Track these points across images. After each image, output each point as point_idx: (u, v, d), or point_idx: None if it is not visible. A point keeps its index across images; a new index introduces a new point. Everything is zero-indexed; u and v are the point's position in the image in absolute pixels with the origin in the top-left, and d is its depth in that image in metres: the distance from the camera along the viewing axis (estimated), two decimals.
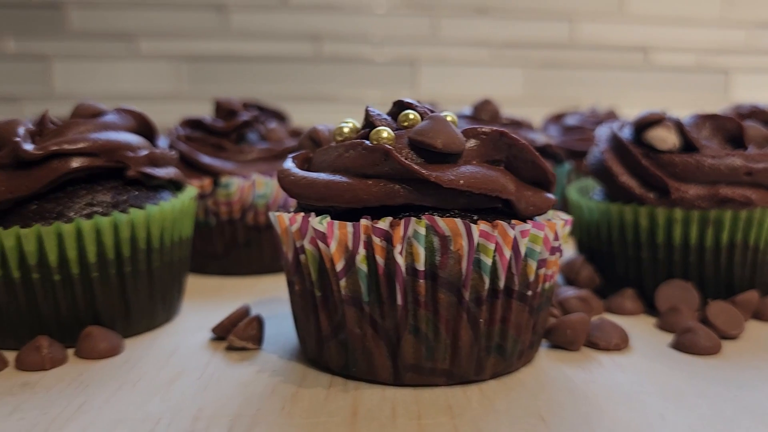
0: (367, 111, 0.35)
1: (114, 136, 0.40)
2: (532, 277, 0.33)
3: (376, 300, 0.32)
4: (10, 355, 0.37)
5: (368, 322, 0.32)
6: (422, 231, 0.30)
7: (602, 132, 0.49)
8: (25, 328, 0.37)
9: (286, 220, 0.34)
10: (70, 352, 0.38)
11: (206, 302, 0.48)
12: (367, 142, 0.33)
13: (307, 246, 0.33)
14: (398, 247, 0.31)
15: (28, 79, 1.31)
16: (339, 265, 0.32)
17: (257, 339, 0.38)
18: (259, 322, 0.38)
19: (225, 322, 0.39)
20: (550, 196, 0.35)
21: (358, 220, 0.31)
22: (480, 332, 0.32)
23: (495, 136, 0.34)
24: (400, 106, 0.36)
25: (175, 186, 0.44)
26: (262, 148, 0.56)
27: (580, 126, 0.76)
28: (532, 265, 0.33)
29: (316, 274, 0.33)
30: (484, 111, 0.58)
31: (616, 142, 0.46)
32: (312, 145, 0.37)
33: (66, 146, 0.38)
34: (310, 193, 0.33)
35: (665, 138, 0.44)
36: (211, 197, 0.53)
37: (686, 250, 0.43)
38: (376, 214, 0.32)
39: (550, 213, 0.37)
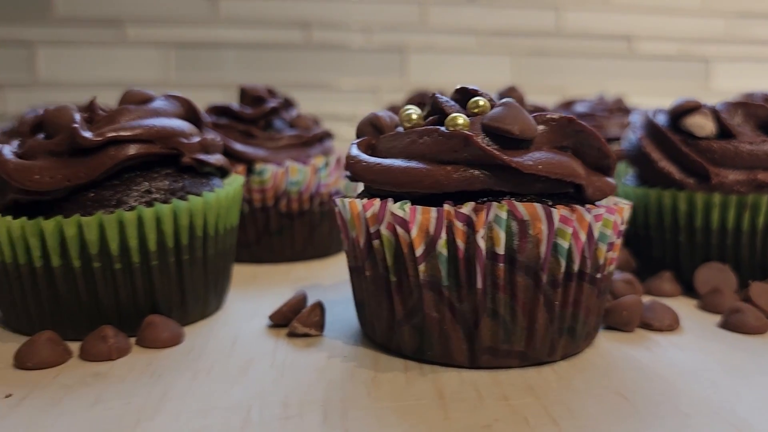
0: (435, 97, 0.36)
1: (168, 123, 0.39)
2: (601, 261, 0.34)
3: (455, 284, 0.32)
4: (71, 346, 0.36)
5: (446, 306, 0.32)
6: (503, 215, 0.31)
7: (637, 119, 0.50)
8: (84, 318, 0.37)
9: (358, 206, 0.34)
10: (131, 341, 0.37)
11: (247, 290, 0.48)
12: (442, 128, 0.33)
13: (384, 231, 0.33)
14: (481, 232, 0.31)
15: (11, 66, 1.27)
16: (419, 250, 0.32)
17: (320, 325, 0.38)
18: (321, 308, 0.38)
19: (284, 309, 0.39)
20: (612, 180, 0.36)
21: (430, 206, 0.32)
22: (554, 315, 0.33)
23: (564, 122, 0.34)
24: (464, 93, 0.36)
25: (220, 172, 0.43)
26: (292, 134, 0.56)
27: (590, 113, 0.77)
28: (603, 248, 0.34)
29: (392, 259, 0.33)
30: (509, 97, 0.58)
31: (653, 129, 0.47)
32: (374, 132, 0.38)
33: (123, 133, 0.37)
34: (386, 179, 0.33)
35: (703, 125, 0.45)
36: (244, 185, 0.52)
37: (723, 233, 0.45)
38: (449, 199, 0.32)
39: (609, 197, 0.37)
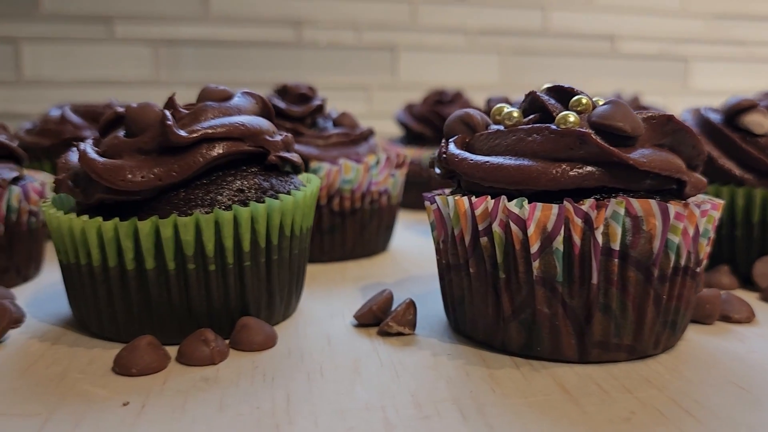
0: (537, 96, 0.36)
1: (254, 121, 0.38)
2: (701, 255, 0.35)
3: (568, 280, 0.33)
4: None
5: (559, 302, 0.33)
6: (621, 212, 0.31)
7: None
8: (174, 321, 0.36)
9: (466, 204, 0.34)
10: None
11: (312, 290, 0.47)
12: (553, 126, 0.33)
13: (496, 229, 0.33)
14: (600, 228, 0.31)
15: None
16: (534, 247, 0.32)
17: (413, 324, 0.38)
18: (414, 307, 0.38)
19: (374, 308, 0.39)
20: (703, 177, 0.36)
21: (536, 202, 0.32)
22: (661, 308, 0.34)
23: (663, 120, 0.35)
24: (560, 92, 0.36)
25: (294, 170, 0.43)
26: (339, 132, 0.56)
27: None
28: (704, 243, 0.35)
29: (501, 256, 0.33)
30: None
31: (709, 127, 0.49)
32: (466, 130, 0.38)
33: (215, 131, 0.36)
34: (498, 177, 0.33)
35: (762, 122, 0.46)
36: None
37: None
38: (554, 196, 0.33)
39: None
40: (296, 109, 0.55)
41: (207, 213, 0.35)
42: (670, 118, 0.35)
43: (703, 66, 1.67)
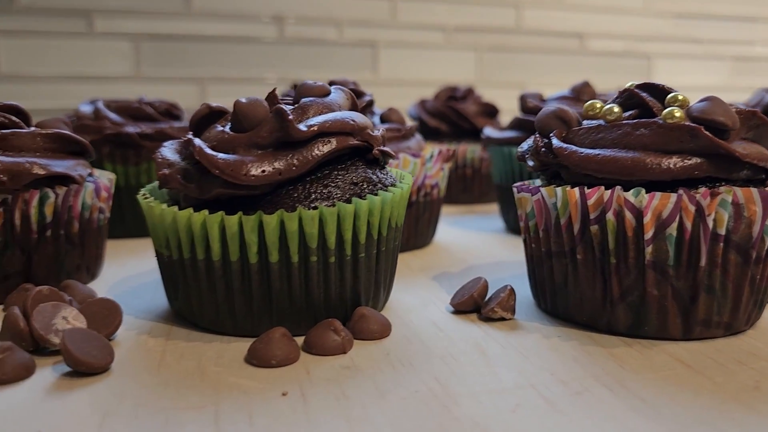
0: (635, 92, 0.38)
1: (358, 117, 0.39)
2: None
3: (677, 263, 0.35)
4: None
5: (668, 284, 0.35)
6: (729, 199, 0.34)
7: (755, 98, 0.55)
8: (294, 313, 0.37)
9: (577, 194, 0.36)
10: None
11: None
12: (660, 120, 0.36)
13: (610, 217, 0.35)
14: (712, 215, 0.34)
15: None
16: (648, 233, 0.35)
17: (513, 309, 0.40)
18: (514, 293, 0.40)
19: (475, 296, 0.40)
20: None
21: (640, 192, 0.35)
22: (754, 288, 0.37)
23: (749, 115, 0.38)
24: (653, 89, 0.39)
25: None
26: (391, 127, 0.57)
27: None
28: None
29: (614, 242, 0.36)
30: (584, 92, 0.62)
31: None
32: (562, 125, 0.40)
33: (330, 126, 0.37)
34: (612, 169, 0.35)
35: None
36: None
37: None
38: (663, 186, 0.35)
39: None
40: None
41: (330, 206, 0.36)
42: (754, 114, 0.38)
43: (664, 63, 1.76)
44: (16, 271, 0.43)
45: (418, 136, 0.60)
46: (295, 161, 0.36)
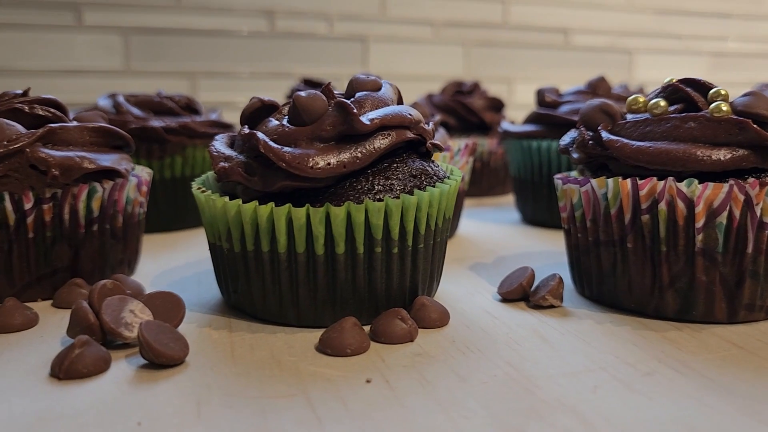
0: (679, 87, 0.40)
1: (413, 111, 0.40)
2: None
3: (725, 250, 0.37)
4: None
5: (716, 270, 0.37)
6: None
7: None
8: (356, 303, 0.37)
9: (629, 185, 0.38)
10: None
11: None
12: (707, 114, 0.37)
13: (662, 207, 0.37)
14: (760, 204, 0.36)
15: None
16: (700, 222, 0.36)
17: (562, 297, 0.41)
18: (563, 281, 0.41)
19: (524, 284, 0.42)
20: None
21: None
22: None
23: None
24: (696, 84, 0.41)
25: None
26: None
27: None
28: None
29: (665, 231, 0.37)
30: (600, 87, 0.64)
31: None
32: (607, 118, 0.41)
33: (390, 120, 0.38)
34: (664, 160, 0.37)
35: None
36: None
37: None
38: (711, 177, 0.37)
39: None
40: None
41: (395, 198, 0.37)
42: None
43: (645, 58, 1.80)
44: (64, 266, 0.43)
45: (441, 130, 0.61)
46: (358, 154, 0.37)
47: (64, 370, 0.31)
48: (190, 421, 0.27)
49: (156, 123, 0.59)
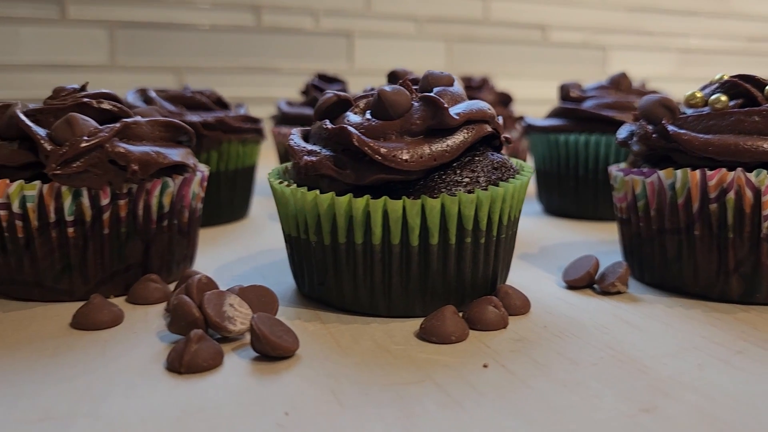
0: (738, 82, 0.42)
1: (489, 106, 0.41)
2: None
3: None
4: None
5: None
6: None
7: None
8: (445, 292, 0.38)
9: (698, 176, 0.40)
10: None
11: None
12: None
13: (731, 196, 0.39)
14: None
15: None
16: (767, 210, 0.39)
17: (627, 283, 0.43)
18: (629, 268, 0.43)
19: (591, 272, 0.44)
20: None
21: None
22: None
23: None
24: (751, 80, 0.43)
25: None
26: None
27: None
28: None
29: (733, 219, 0.40)
30: (621, 83, 0.67)
31: None
32: (668, 113, 0.43)
33: (474, 114, 0.39)
34: (733, 152, 0.39)
35: None
36: None
37: None
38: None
39: None
40: None
41: (484, 189, 0.38)
42: None
43: (619, 54, 1.85)
44: (137, 262, 0.42)
45: None
46: (447, 147, 0.38)
47: (186, 364, 0.31)
48: (336, 410, 0.28)
49: (194, 118, 0.59)
